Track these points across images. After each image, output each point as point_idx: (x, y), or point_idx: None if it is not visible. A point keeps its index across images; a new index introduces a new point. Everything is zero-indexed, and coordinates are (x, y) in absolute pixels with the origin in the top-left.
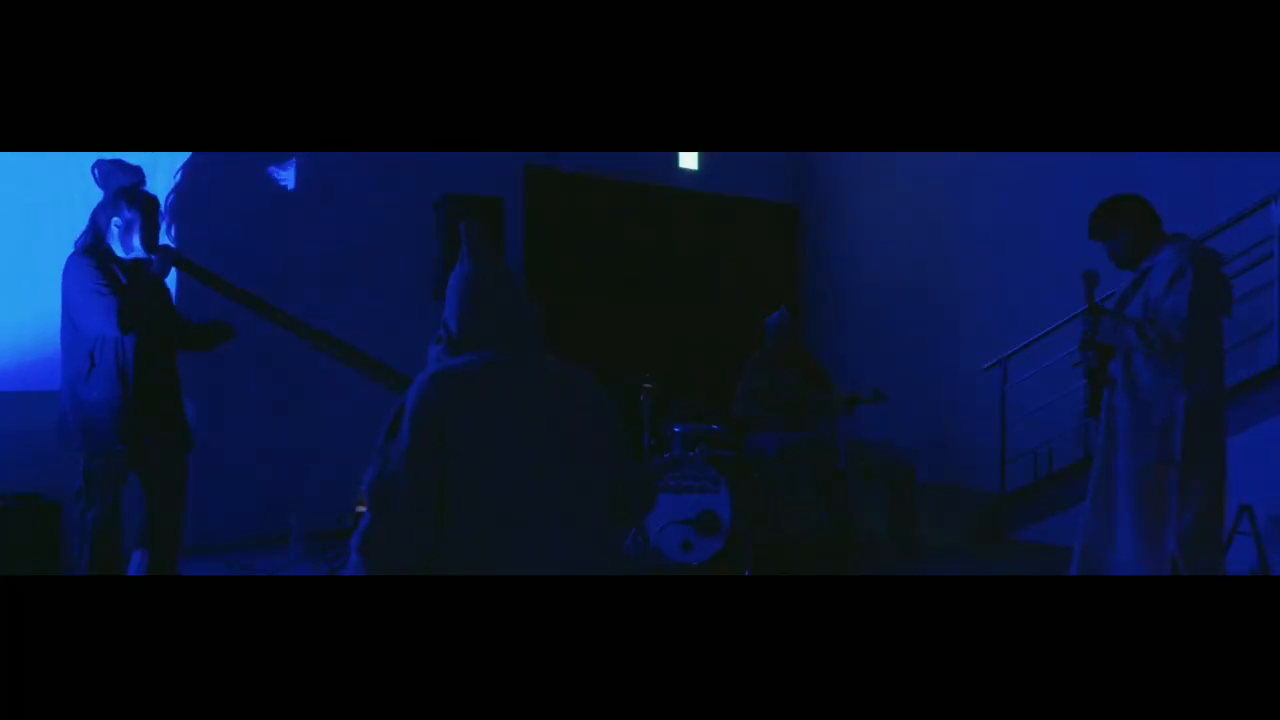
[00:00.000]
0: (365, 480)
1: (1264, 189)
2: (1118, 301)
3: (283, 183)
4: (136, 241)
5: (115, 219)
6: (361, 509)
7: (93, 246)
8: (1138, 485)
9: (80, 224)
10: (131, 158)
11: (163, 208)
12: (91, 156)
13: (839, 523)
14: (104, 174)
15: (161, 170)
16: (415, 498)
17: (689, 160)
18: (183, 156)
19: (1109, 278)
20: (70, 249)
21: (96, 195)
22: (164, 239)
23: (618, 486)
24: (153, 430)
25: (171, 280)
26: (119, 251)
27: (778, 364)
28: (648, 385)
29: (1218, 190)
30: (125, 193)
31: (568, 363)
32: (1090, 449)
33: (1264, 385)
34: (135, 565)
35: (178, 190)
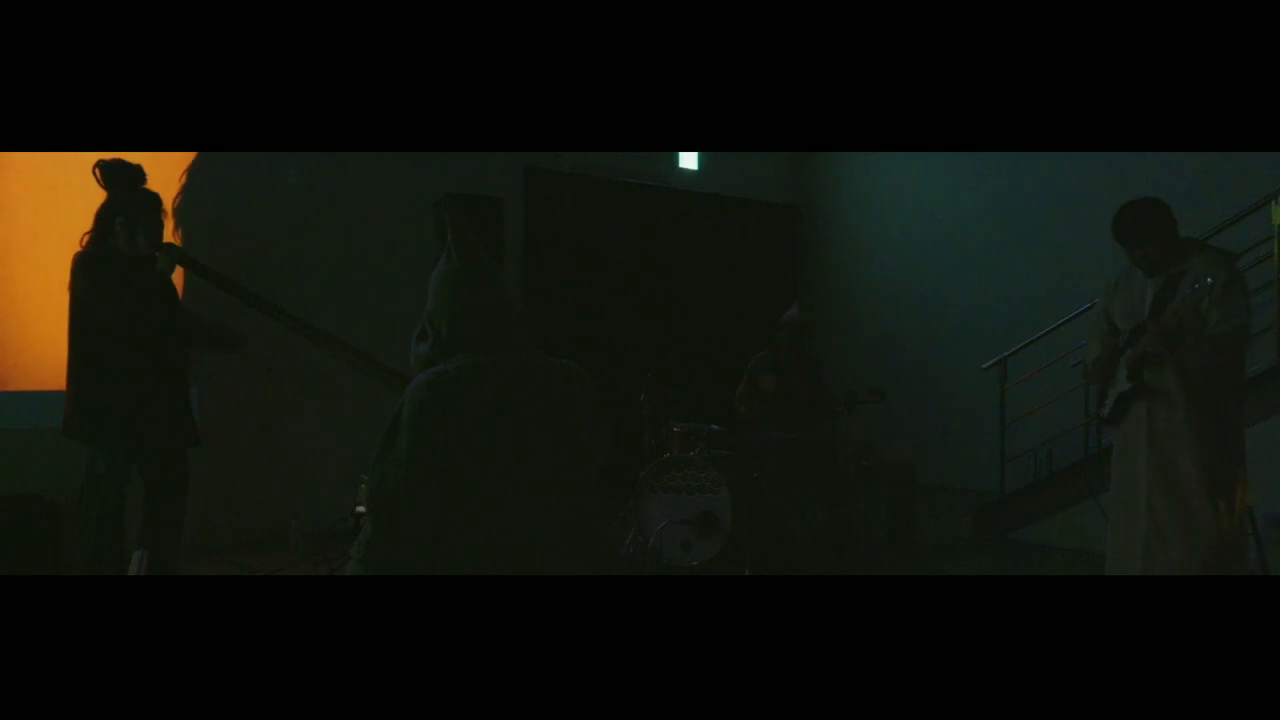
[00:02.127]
0: (366, 491)
1: (1264, 189)
2: (1150, 307)
3: (293, 181)
4: (140, 240)
5: (119, 218)
6: (362, 509)
7: (97, 245)
8: (1186, 485)
9: (85, 223)
10: (133, 158)
11: (165, 206)
12: (93, 156)
13: (839, 523)
14: (105, 174)
15: (163, 170)
16: (418, 507)
17: (689, 160)
18: (186, 156)
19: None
20: (75, 247)
21: (101, 194)
22: (167, 237)
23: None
24: (156, 428)
25: (174, 280)
26: (124, 250)
27: (783, 363)
28: (648, 385)
29: (1218, 190)
30: (128, 192)
31: (553, 358)
32: (1090, 449)
33: (1263, 385)
34: (135, 565)
35: (180, 190)
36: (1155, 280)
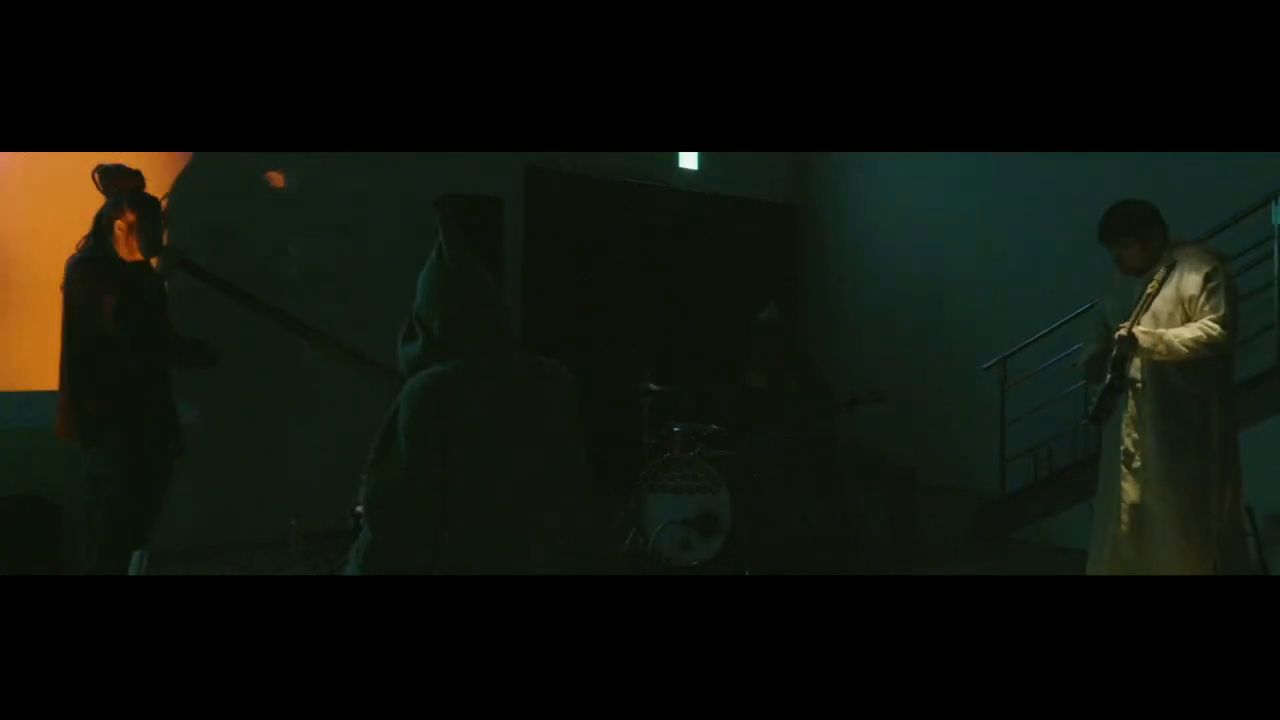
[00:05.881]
0: (363, 496)
1: (1264, 189)
2: (1137, 305)
3: (278, 185)
4: (139, 244)
5: (117, 222)
6: (361, 509)
7: (95, 249)
8: (1176, 483)
9: (83, 224)
10: (131, 157)
11: (162, 208)
12: (93, 156)
13: (839, 523)
14: (105, 179)
15: (161, 170)
16: (416, 509)
17: (689, 160)
18: (183, 156)
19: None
20: (71, 249)
21: (97, 194)
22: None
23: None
24: (150, 431)
25: (169, 283)
26: (121, 254)
27: (776, 364)
28: (647, 385)
29: (1218, 190)
30: (127, 196)
31: (540, 357)
32: (1090, 449)
33: (1263, 385)
34: (134, 565)
35: (177, 190)
36: (1144, 279)
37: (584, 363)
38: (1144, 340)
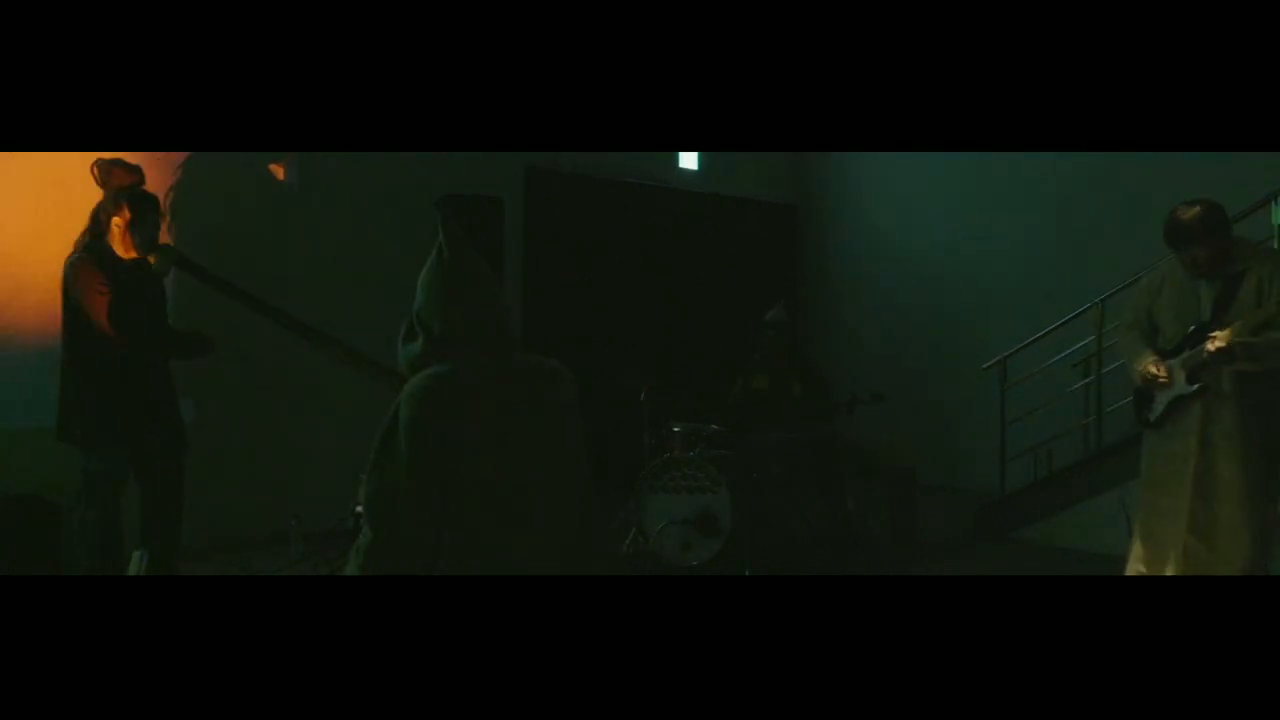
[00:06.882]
0: (363, 496)
1: (1264, 189)
2: (1212, 309)
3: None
4: (136, 241)
5: (115, 218)
6: (361, 509)
7: (93, 246)
8: (1262, 489)
9: (80, 224)
10: (131, 157)
11: (162, 207)
12: (91, 156)
13: (839, 523)
14: (103, 173)
15: (160, 169)
16: (417, 512)
17: (689, 160)
18: (182, 156)
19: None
20: (70, 249)
21: (96, 194)
22: (163, 238)
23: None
24: (152, 431)
25: (170, 281)
26: (119, 251)
27: (774, 363)
28: (647, 385)
29: (1218, 190)
30: (125, 192)
31: (540, 357)
32: (1090, 449)
33: None
34: (134, 565)
35: (177, 189)
36: (1211, 283)
37: (584, 363)
38: (1243, 353)
